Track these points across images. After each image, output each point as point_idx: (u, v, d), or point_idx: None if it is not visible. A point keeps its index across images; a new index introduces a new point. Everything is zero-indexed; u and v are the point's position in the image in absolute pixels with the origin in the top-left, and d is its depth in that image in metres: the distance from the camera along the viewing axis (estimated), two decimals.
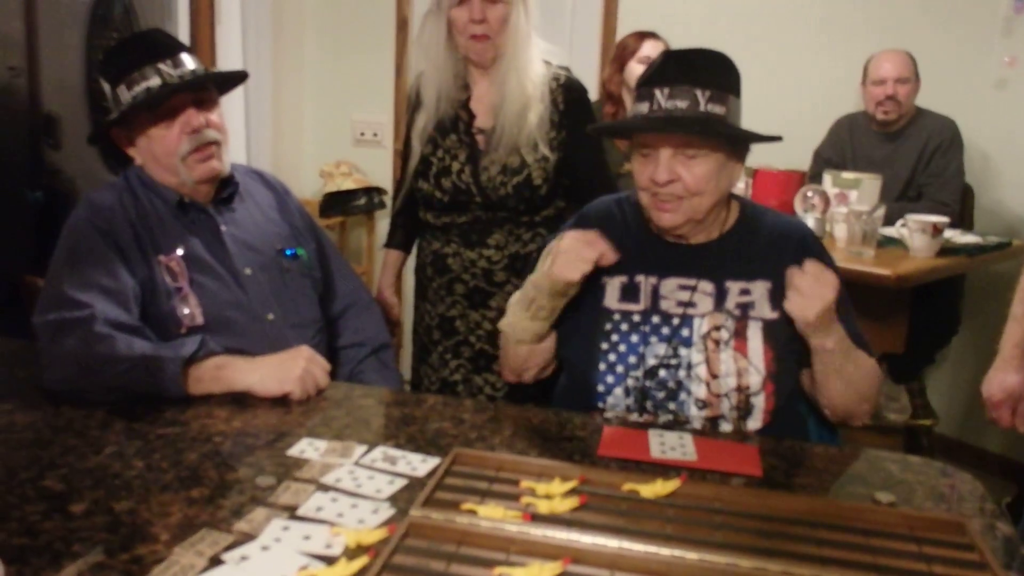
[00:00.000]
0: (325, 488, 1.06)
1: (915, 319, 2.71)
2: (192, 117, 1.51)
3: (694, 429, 1.35)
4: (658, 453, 1.21)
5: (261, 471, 1.12)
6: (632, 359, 1.42)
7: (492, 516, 0.96)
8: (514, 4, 1.80)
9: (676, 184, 1.36)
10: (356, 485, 1.07)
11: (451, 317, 1.93)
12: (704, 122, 1.34)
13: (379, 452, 1.16)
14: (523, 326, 1.44)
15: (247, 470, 1.12)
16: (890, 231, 2.68)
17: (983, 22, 3.26)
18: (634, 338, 1.43)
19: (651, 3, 3.64)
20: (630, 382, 1.40)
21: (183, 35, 3.06)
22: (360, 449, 1.17)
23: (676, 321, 1.43)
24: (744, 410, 1.38)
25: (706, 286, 1.44)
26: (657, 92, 1.36)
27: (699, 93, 1.34)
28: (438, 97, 1.87)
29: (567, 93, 1.88)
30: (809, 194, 2.76)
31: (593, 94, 3.12)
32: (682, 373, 1.40)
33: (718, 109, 1.35)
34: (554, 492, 1.03)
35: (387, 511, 1.00)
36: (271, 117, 3.69)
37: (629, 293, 1.46)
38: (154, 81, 1.49)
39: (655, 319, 1.44)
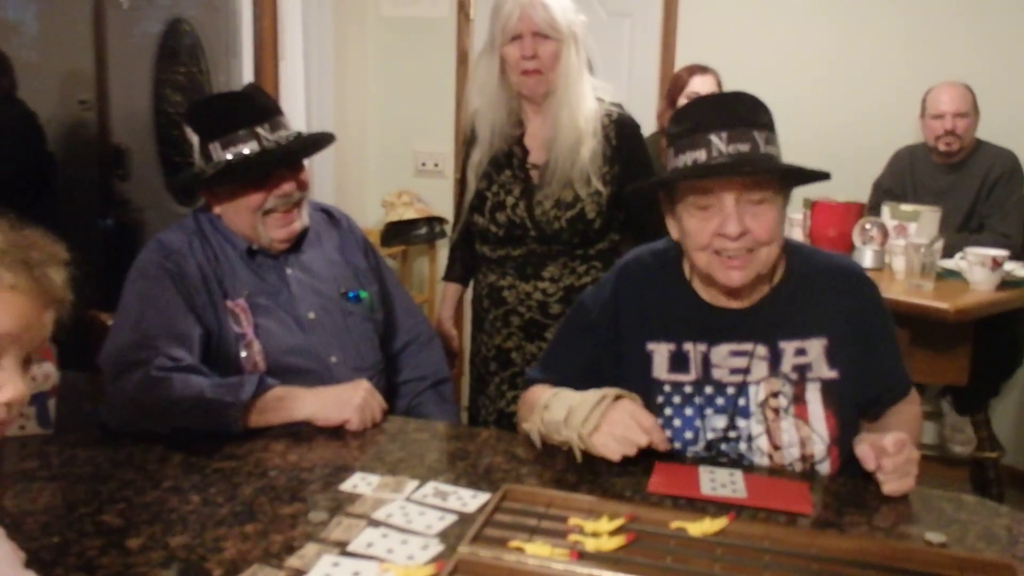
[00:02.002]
0: (376, 523, 1.08)
1: (977, 351, 2.66)
2: (286, 185, 1.53)
3: (746, 466, 1.34)
4: (708, 490, 1.21)
5: (314, 506, 1.14)
6: (689, 434, 1.37)
7: (539, 554, 0.98)
8: (565, 41, 1.84)
9: (746, 236, 1.28)
10: (407, 521, 1.09)
11: (507, 349, 1.96)
12: (769, 162, 1.28)
13: (431, 487, 1.19)
14: (545, 437, 1.36)
15: (300, 505, 1.15)
16: (950, 263, 2.64)
17: None
18: (688, 411, 1.38)
19: (707, 38, 3.68)
20: (688, 458, 1.36)
21: (247, 70, 3.17)
22: (412, 484, 1.20)
23: (731, 391, 1.36)
24: (808, 479, 1.33)
25: (759, 350, 1.37)
26: (713, 137, 1.27)
27: (757, 135, 1.28)
28: (492, 133, 1.92)
29: (619, 128, 1.91)
30: (868, 226, 2.74)
31: (651, 127, 3.17)
32: (743, 446, 1.35)
33: (775, 150, 1.30)
34: (602, 530, 1.04)
35: (436, 547, 1.02)
36: (334, 148, 3.77)
37: (678, 363, 1.39)
38: (252, 146, 1.49)
39: (708, 390, 1.37)
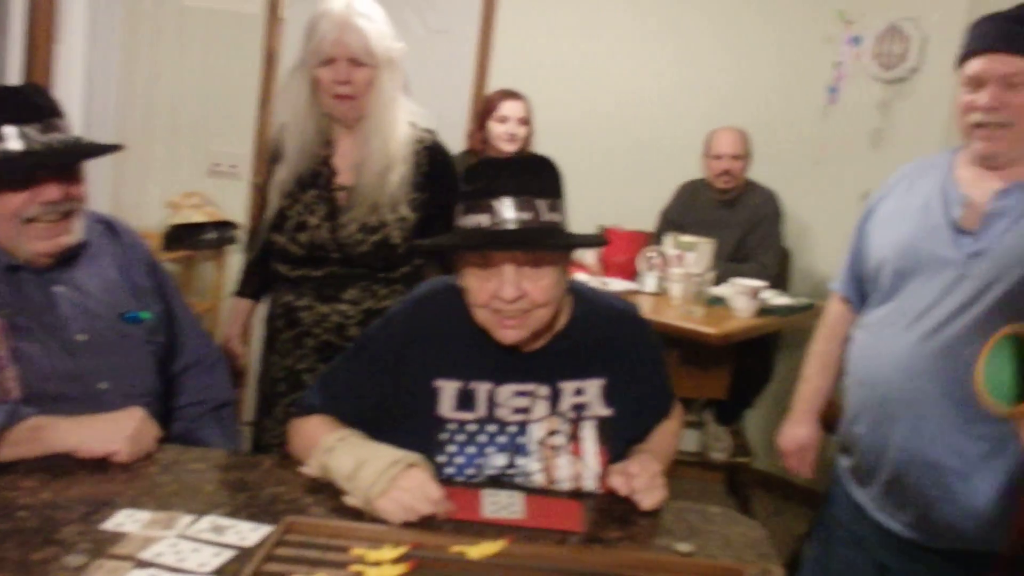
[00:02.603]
0: (144, 565, 1.03)
1: (736, 369, 2.98)
2: (52, 191, 1.40)
3: (529, 488, 1.40)
4: (490, 512, 1.27)
5: (71, 549, 1.06)
6: (470, 471, 1.40)
7: None
8: (381, 67, 1.82)
9: (523, 299, 1.32)
10: (179, 559, 1.04)
11: (299, 371, 1.92)
12: (551, 233, 1.33)
13: (207, 522, 1.14)
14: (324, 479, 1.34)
15: (55, 548, 1.06)
16: (717, 291, 2.91)
17: (805, 107, 3.67)
18: (471, 449, 1.41)
19: (521, 61, 3.85)
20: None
21: (15, 51, 2.89)
22: (186, 519, 1.14)
23: (513, 429, 1.41)
24: (581, 499, 1.40)
25: (541, 390, 1.43)
26: (496, 204, 1.31)
27: (540, 203, 1.32)
28: (299, 151, 1.87)
29: (431, 156, 1.91)
30: (650, 255, 2.96)
31: (460, 145, 3.24)
32: (520, 480, 1.40)
33: (557, 217, 1.34)
34: (384, 558, 1.07)
35: None
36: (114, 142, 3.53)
37: (465, 400, 1.42)
38: (15, 144, 1.37)
39: (491, 428, 1.41)
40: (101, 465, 1.32)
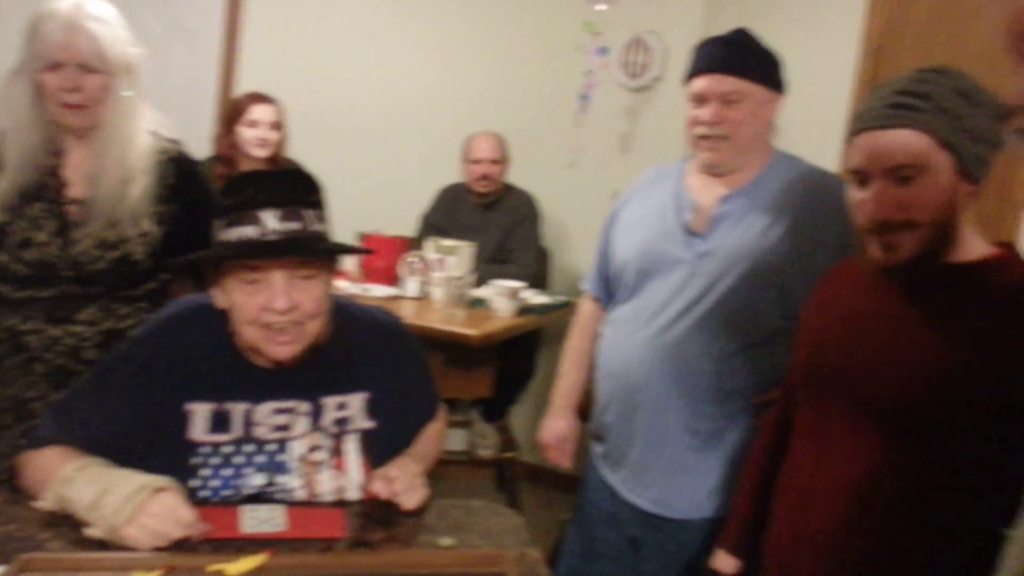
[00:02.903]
0: None
1: (500, 368, 3.09)
2: None
3: (289, 500, 1.40)
4: (250, 527, 1.27)
5: None
6: (227, 492, 1.37)
7: None
8: (116, 74, 1.70)
9: (295, 311, 1.32)
10: None
11: (27, 399, 1.73)
12: (320, 241, 1.34)
13: None
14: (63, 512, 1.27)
15: None
16: (479, 293, 3.03)
17: (559, 113, 3.85)
18: (227, 471, 1.38)
19: (272, 62, 3.76)
20: None
21: None
22: None
23: (272, 447, 1.40)
24: (344, 506, 1.42)
25: (302, 406, 1.42)
26: (262, 215, 1.30)
27: (307, 213, 1.33)
28: (22, 161, 1.70)
29: (177, 167, 1.82)
30: (412, 260, 3.02)
31: (207, 150, 3.12)
32: (281, 498, 1.39)
33: (323, 228, 1.36)
34: None
35: None
36: None
37: (219, 422, 1.39)
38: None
39: (249, 448, 1.39)
40: None
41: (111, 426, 1.37)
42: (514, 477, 3.44)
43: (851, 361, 1.28)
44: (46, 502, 1.25)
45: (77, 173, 1.74)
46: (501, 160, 3.56)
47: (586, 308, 2.05)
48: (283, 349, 1.34)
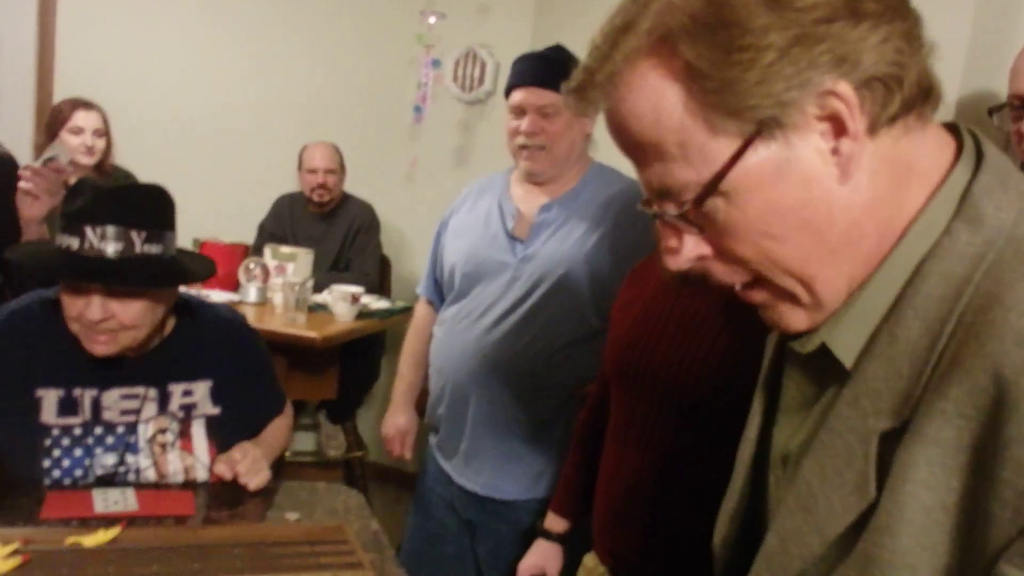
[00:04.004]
0: None
1: (345, 370, 3.18)
2: None
3: (140, 483, 1.50)
4: (102, 508, 1.36)
5: None
6: (78, 472, 1.46)
7: None
8: None
9: (111, 321, 1.37)
10: None
11: None
12: (140, 266, 1.36)
13: None
14: None
15: None
16: (320, 298, 3.13)
17: (395, 125, 3.94)
18: (78, 452, 1.46)
19: (92, 70, 3.65)
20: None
21: None
22: None
23: (121, 430, 1.49)
24: (193, 488, 1.51)
25: (150, 392, 1.51)
26: (88, 230, 1.34)
27: (135, 235, 1.36)
28: None
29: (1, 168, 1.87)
30: (251, 266, 3.07)
31: (29, 158, 3.04)
32: (131, 477, 1.49)
33: (155, 249, 1.38)
34: None
35: None
36: None
37: (68, 407, 1.46)
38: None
39: (98, 430, 1.48)
40: None
41: None
42: (363, 476, 3.53)
43: (651, 359, 1.35)
44: None
45: None
46: (337, 170, 3.62)
47: (420, 311, 2.18)
48: (99, 348, 1.40)
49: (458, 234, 2.00)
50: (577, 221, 1.85)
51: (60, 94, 3.45)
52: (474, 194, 2.05)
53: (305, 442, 3.76)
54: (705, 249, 0.69)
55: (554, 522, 1.68)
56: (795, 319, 0.70)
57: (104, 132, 3.05)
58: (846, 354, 0.68)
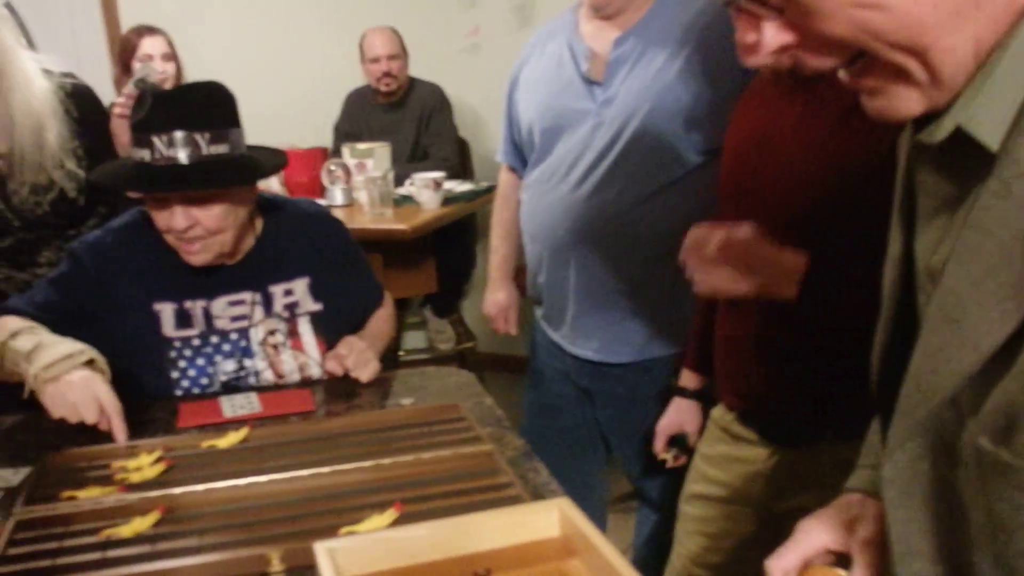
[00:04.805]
0: None
1: (440, 262, 3.20)
2: None
3: (260, 386, 1.58)
4: (230, 412, 1.45)
5: None
6: (204, 380, 1.54)
7: (92, 495, 1.13)
8: None
9: (196, 228, 1.41)
10: None
11: None
12: (209, 168, 1.38)
13: None
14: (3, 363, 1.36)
15: None
16: (403, 191, 3.15)
17: None
18: (200, 361, 1.53)
19: None
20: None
21: None
22: None
23: (235, 336, 1.55)
24: (309, 386, 1.58)
25: (253, 296, 1.56)
26: (156, 140, 1.36)
27: (199, 137, 1.36)
28: None
29: (78, 100, 1.89)
30: (332, 168, 3.11)
31: (111, 95, 3.11)
32: (252, 381, 1.56)
33: (221, 149, 1.39)
34: (142, 463, 1.22)
35: None
36: None
37: (183, 319, 1.52)
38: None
39: (214, 339, 1.54)
40: None
41: (73, 311, 1.49)
42: (477, 365, 3.59)
43: (761, 175, 1.31)
44: None
45: None
46: (400, 54, 3.54)
47: (503, 179, 2.09)
48: (194, 257, 1.45)
49: (530, 87, 1.88)
50: (656, 50, 1.69)
51: (126, 23, 3.48)
52: (542, 40, 1.91)
53: (415, 340, 3.83)
54: (787, 37, 0.61)
55: (689, 379, 1.66)
56: (909, 102, 0.60)
57: (172, 55, 3.09)
58: (990, 134, 0.57)
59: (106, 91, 2.86)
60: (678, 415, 1.68)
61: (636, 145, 1.70)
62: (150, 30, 3.06)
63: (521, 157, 1.98)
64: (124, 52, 3.06)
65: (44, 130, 1.81)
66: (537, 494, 1.15)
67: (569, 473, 1.65)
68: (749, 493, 1.46)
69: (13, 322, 1.40)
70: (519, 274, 2.17)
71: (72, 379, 1.29)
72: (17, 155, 1.80)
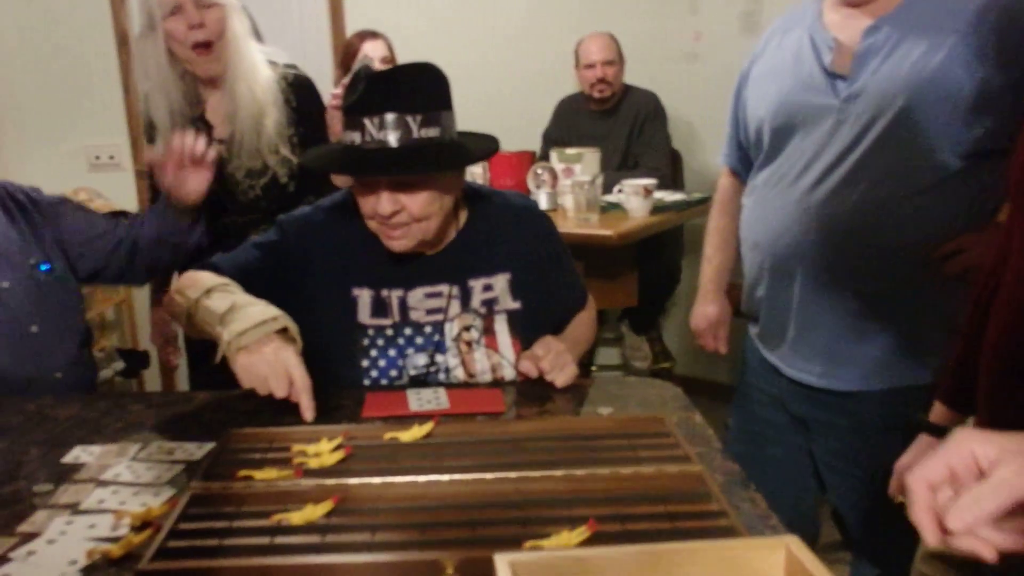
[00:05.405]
0: (105, 484, 1.11)
1: (643, 276, 3.07)
2: None
3: (449, 383, 1.50)
4: (416, 407, 1.36)
5: (36, 480, 1.14)
6: (393, 372, 1.48)
7: (267, 477, 1.08)
8: (229, 6, 1.83)
9: (401, 213, 1.37)
10: (135, 476, 1.13)
11: None
12: (419, 152, 1.32)
13: (155, 446, 1.23)
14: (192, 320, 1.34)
15: (22, 483, 1.14)
16: (611, 197, 3.03)
17: (673, 1, 3.67)
18: (391, 352, 1.47)
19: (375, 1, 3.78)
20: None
21: None
22: (136, 447, 1.23)
23: (429, 329, 1.48)
24: (500, 386, 1.48)
25: (451, 289, 1.49)
26: (367, 122, 1.31)
27: (410, 120, 1.31)
28: (171, 118, 1.88)
29: (297, 90, 1.96)
30: (539, 171, 3.05)
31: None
32: (441, 378, 1.48)
33: (432, 132, 1.33)
34: (322, 449, 1.16)
35: (169, 492, 1.08)
36: None
37: (379, 308, 1.48)
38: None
39: (408, 331, 1.48)
40: (46, 415, 1.40)
41: (270, 279, 1.46)
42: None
43: None
44: (185, 301, 1.33)
45: (217, 116, 1.91)
46: (616, 60, 3.46)
47: (724, 184, 1.93)
48: (395, 243, 1.40)
49: (762, 83, 1.72)
50: (916, 38, 1.49)
51: (351, 27, 3.62)
52: (779, 32, 1.74)
53: (609, 356, 3.72)
54: None
55: (940, 414, 1.39)
56: None
57: (391, 59, 3.15)
58: None
59: (328, 92, 2.96)
60: (923, 455, 1.41)
61: (884, 145, 1.51)
62: (372, 34, 3.15)
63: (745, 160, 1.82)
64: (346, 55, 3.17)
65: (264, 116, 1.88)
66: (753, 528, 0.99)
67: (773, 509, 1.45)
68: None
69: (208, 278, 1.37)
70: (731, 290, 1.99)
71: (265, 351, 1.24)
72: (237, 140, 1.88)
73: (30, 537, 0.98)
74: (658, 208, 2.97)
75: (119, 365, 3.22)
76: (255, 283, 1.41)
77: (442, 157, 1.35)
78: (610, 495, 1.05)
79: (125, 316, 3.65)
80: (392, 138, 1.31)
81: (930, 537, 0.71)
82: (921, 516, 0.72)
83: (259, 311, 1.27)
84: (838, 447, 1.70)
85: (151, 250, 1.74)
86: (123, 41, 3.66)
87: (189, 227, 1.77)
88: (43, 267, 1.64)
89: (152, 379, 3.61)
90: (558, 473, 1.08)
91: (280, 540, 0.95)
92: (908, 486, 0.74)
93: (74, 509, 1.05)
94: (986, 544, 0.69)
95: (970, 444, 0.73)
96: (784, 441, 1.79)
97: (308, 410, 1.25)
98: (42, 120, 3.72)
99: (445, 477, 1.08)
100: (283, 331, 1.28)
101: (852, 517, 1.73)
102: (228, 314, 1.26)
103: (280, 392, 1.23)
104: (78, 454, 1.22)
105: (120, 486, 1.11)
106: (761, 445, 1.82)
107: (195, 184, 1.70)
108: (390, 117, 1.31)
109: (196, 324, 1.33)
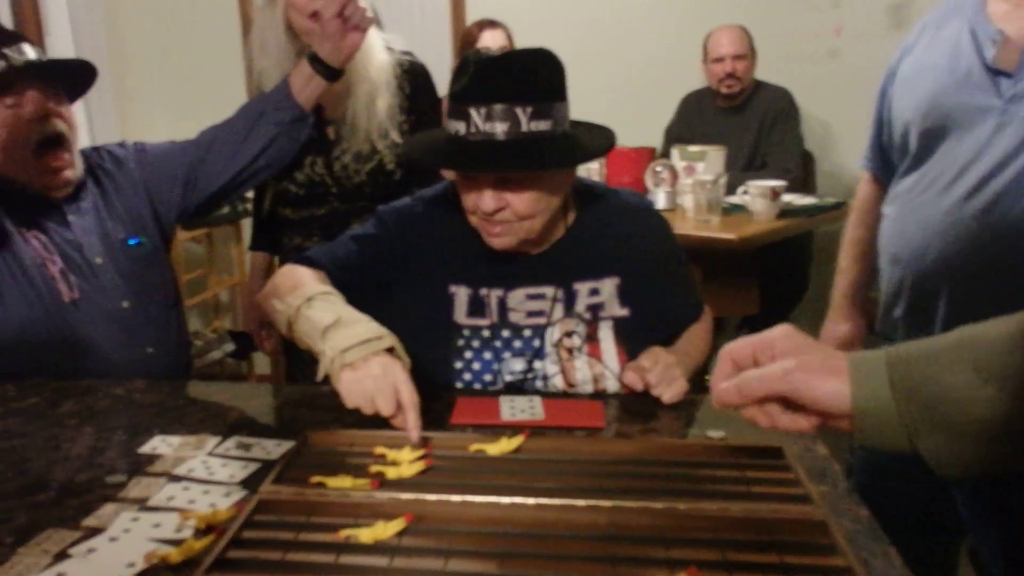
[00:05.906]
0: (177, 479, 1.08)
1: (766, 282, 2.91)
2: (30, 96, 1.50)
3: (547, 392, 1.40)
4: (508, 416, 1.27)
5: (111, 471, 1.12)
6: (488, 377, 1.39)
7: (341, 486, 1.00)
8: None
9: (505, 211, 1.28)
10: (209, 473, 1.09)
11: None
12: (527, 148, 1.23)
13: (233, 441, 1.19)
14: (292, 329, 1.26)
15: (96, 471, 1.12)
16: (735, 199, 2.86)
17: None
18: (487, 355, 1.39)
19: None
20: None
21: (3, 5, 2.99)
22: (214, 440, 1.19)
23: (528, 333, 1.39)
24: (602, 399, 1.38)
25: (555, 292, 1.39)
26: (473, 112, 1.22)
27: (519, 112, 1.22)
28: None
29: (412, 77, 1.92)
30: (658, 169, 2.91)
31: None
32: (539, 385, 1.38)
33: (542, 126, 1.24)
34: (402, 459, 1.08)
35: (239, 493, 1.03)
36: (120, 134, 3.60)
37: (477, 307, 1.39)
38: None
39: (505, 333, 1.39)
40: (133, 400, 1.40)
41: (369, 273, 1.41)
42: None
43: None
44: (285, 308, 1.24)
45: (329, 96, 1.85)
46: (747, 55, 3.30)
47: (863, 190, 1.78)
48: (496, 240, 1.31)
49: (911, 80, 1.57)
50: None
51: (471, 16, 3.58)
52: (932, 25, 1.59)
53: None
54: None
55: None
56: None
57: (508, 48, 3.08)
58: None
59: (445, 83, 2.91)
60: None
61: None
62: (491, 23, 3.10)
63: (888, 165, 1.68)
64: (465, 44, 3.14)
65: (377, 98, 1.85)
66: None
67: (907, 557, 1.30)
68: None
69: (309, 282, 1.29)
70: (868, 304, 1.82)
71: (371, 366, 1.13)
72: (348, 122, 1.85)
73: (94, 532, 0.95)
74: (786, 212, 2.79)
75: (230, 347, 3.29)
76: (352, 278, 1.36)
77: (551, 155, 1.25)
78: (716, 537, 0.92)
79: (238, 299, 3.73)
80: (499, 130, 1.22)
81: (714, 401, 0.85)
82: (713, 383, 0.85)
83: (364, 329, 1.17)
84: (980, 486, 1.54)
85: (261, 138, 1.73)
86: (248, 29, 3.71)
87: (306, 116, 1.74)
88: (131, 241, 1.66)
89: (262, 361, 3.68)
90: (658, 505, 0.96)
91: (345, 559, 0.87)
92: (717, 356, 0.84)
93: (142, 505, 1.01)
94: (763, 414, 0.84)
95: (776, 335, 0.84)
96: (916, 478, 1.60)
97: (415, 429, 1.12)
98: (167, 103, 3.83)
99: (531, 500, 0.97)
100: (390, 350, 1.19)
101: (996, 568, 1.56)
102: (331, 329, 1.17)
103: (387, 411, 1.13)
104: (156, 444, 1.20)
105: (192, 483, 1.07)
106: (887, 477, 1.69)
107: (351, 40, 1.67)
108: (498, 108, 1.21)
109: (296, 333, 1.25)
